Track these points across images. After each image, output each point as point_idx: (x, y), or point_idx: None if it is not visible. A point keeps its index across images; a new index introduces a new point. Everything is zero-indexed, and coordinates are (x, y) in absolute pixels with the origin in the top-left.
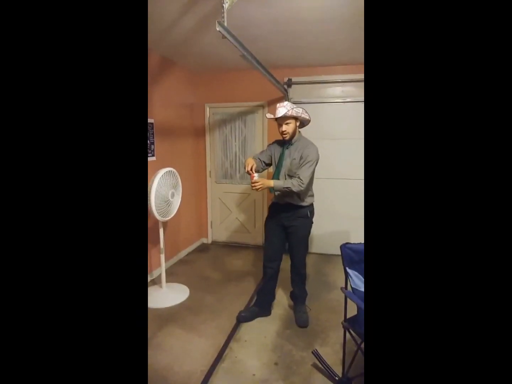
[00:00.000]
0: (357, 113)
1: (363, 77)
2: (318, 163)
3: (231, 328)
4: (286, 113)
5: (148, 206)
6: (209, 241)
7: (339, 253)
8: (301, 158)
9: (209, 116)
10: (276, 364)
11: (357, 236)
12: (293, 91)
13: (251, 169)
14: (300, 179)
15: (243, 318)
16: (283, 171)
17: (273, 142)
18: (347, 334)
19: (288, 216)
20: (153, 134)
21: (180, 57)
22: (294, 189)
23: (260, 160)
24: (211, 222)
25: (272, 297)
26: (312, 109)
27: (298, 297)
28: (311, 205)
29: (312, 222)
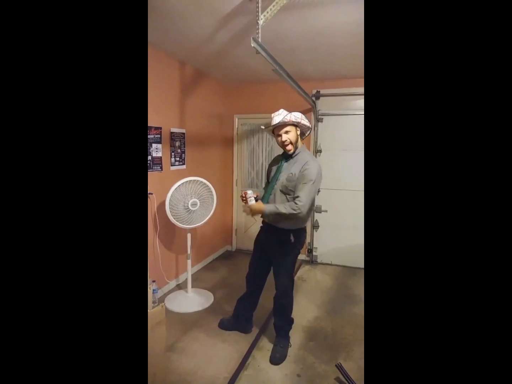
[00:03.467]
0: None
1: None
2: (322, 181)
3: (254, 336)
4: (283, 119)
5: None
6: (233, 249)
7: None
8: (301, 174)
9: (237, 126)
10: (298, 376)
11: None
12: (321, 103)
13: (245, 196)
14: (299, 201)
15: (223, 324)
16: (277, 186)
17: (271, 161)
18: None
19: (267, 238)
20: (184, 143)
21: (212, 69)
22: (287, 212)
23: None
24: (236, 230)
25: (250, 313)
26: (339, 121)
27: (277, 329)
28: (298, 230)
29: (299, 249)
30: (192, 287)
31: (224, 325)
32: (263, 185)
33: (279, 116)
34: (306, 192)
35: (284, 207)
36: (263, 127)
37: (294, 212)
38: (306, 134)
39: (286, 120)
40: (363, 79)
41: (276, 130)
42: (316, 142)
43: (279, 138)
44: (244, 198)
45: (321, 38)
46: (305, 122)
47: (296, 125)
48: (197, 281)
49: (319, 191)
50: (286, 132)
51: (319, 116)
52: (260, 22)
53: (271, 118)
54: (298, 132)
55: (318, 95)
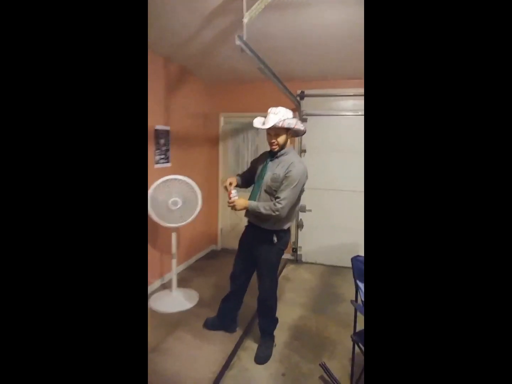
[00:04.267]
0: None
1: None
2: (306, 183)
3: (239, 336)
4: (276, 124)
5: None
6: (219, 248)
7: (348, 265)
8: (284, 176)
9: (222, 125)
10: (283, 375)
11: None
12: (305, 103)
13: (230, 185)
14: (278, 202)
15: (208, 324)
16: (262, 185)
17: (260, 155)
18: (356, 348)
19: (252, 238)
20: (169, 141)
21: (198, 68)
22: (265, 212)
23: (244, 177)
24: (221, 229)
25: (235, 313)
26: (323, 121)
27: (262, 330)
28: (282, 230)
29: (282, 250)
30: (177, 286)
31: (209, 325)
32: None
33: (274, 116)
34: (288, 194)
35: (263, 207)
36: (257, 126)
37: (272, 213)
38: (300, 135)
39: (278, 126)
40: (347, 80)
41: (268, 128)
42: (301, 142)
43: (268, 137)
44: (228, 189)
45: (306, 38)
46: (299, 126)
47: (288, 129)
48: (182, 281)
49: (303, 190)
50: (276, 135)
51: (304, 116)
52: (245, 20)
53: (263, 115)
54: (289, 136)
55: (302, 95)
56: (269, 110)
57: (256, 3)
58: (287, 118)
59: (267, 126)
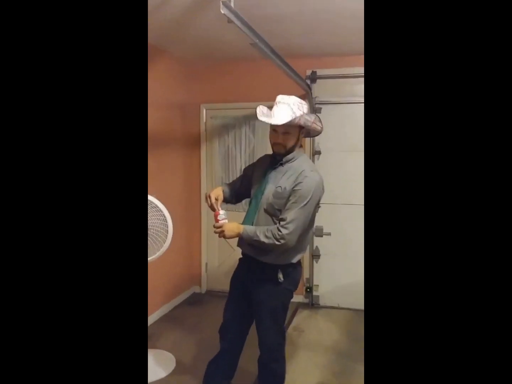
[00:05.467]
0: None
1: None
2: (321, 200)
3: None
4: (291, 121)
5: None
6: (203, 291)
7: None
8: (292, 190)
9: (205, 120)
10: None
11: None
12: (318, 87)
13: (216, 201)
14: (284, 226)
15: None
16: (262, 204)
17: (258, 160)
18: None
19: (250, 276)
20: None
21: (170, 44)
22: (266, 242)
23: (234, 188)
24: (207, 264)
25: (227, 381)
26: (343, 111)
27: None
28: (290, 265)
29: (291, 291)
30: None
31: None
32: (243, 202)
33: (287, 109)
34: (297, 214)
35: (264, 234)
36: (264, 119)
37: (276, 242)
38: (313, 135)
39: (293, 123)
40: None
41: (276, 125)
42: (314, 140)
43: (273, 135)
44: (215, 209)
45: (317, 2)
46: (317, 125)
47: (302, 127)
48: (154, 337)
49: (319, 206)
50: (286, 133)
51: (317, 105)
52: None
53: (264, 105)
54: (302, 135)
55: (314, 77)
56: (278, 98)
57: None
58: (305, 114)
59: (279, 121)
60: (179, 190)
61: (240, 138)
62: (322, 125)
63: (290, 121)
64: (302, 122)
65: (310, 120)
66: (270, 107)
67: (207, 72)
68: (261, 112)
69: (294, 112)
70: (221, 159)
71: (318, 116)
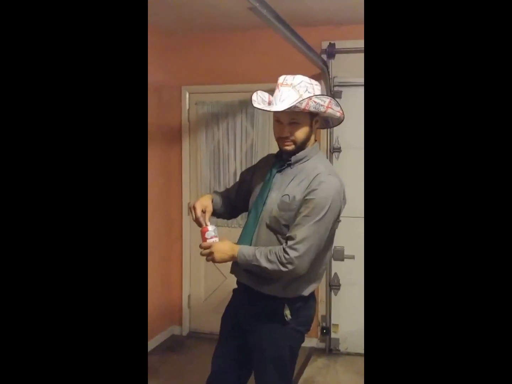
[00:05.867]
0: None
1: None
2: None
3: None
4: (296, 106)
5: None
6: (185, 332)
7: None
8: (304, 199)
9: (189, 107)
10: None
11: None
12: (337, 64)
13: (203, 214)
14: (292, 248)
15: None
16: (263, 218)
17: (259, 161)
18: None
19: (248, 312)
20: None
21: None
22: (269, 268)
23: (228, 198)
24: (189, 296)
25: None
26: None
27: None
28: (300, 298)
29: (301, 332)
30: None
31: None
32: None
33: (291, 91)
34: (310, 232)
35: (266, 257)
36: (260, 106)
37: (282, 268)
38: (332, 126)
39: (299, 108)
40: None
41: (278, 113)
42: (331, 134)
43: (278, 127)
44: (202, 224)
45: None
46: (334, 110)
47: (315, 114)
48: None
49: (339, 221)
50: (293, 124)
51: (335, 88)
52: None
53: (267, 88)
54: (316, 128)
55: (332, 51)
56: (281, 79)
57: None
58: (315, 96)
59: (279, 107)
60: (154, 198)
61: (235, 131)
62: (342, 110)
63: (295, 106)
64: (312, 107)
65: (324, 104)
66: (272, 92)
67: (190, 45)
68: (259, 97)
69: (301, 95)
70: (209, 159)
71: (335, 99)
